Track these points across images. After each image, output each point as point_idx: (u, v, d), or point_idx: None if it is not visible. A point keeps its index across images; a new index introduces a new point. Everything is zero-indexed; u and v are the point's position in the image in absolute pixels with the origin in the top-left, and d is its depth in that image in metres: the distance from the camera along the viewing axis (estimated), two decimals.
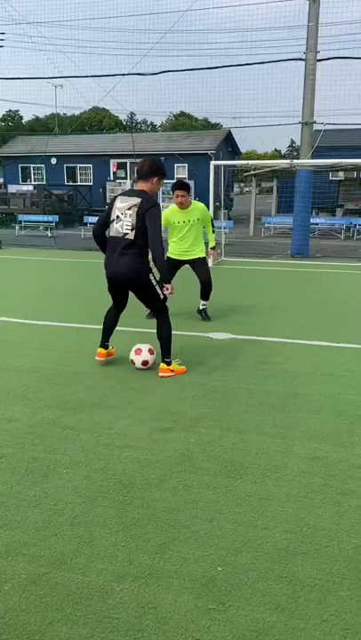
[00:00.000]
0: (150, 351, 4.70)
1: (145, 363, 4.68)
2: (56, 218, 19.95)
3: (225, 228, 15.35)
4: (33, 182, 28.15)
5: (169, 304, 4.61)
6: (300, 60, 13.78)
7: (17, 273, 10.93)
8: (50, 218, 19.93)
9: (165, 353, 4.57)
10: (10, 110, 66.77)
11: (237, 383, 4.42)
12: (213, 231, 6.67)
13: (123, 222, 4.19)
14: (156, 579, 2.17)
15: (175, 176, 26.59)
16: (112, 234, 4.28)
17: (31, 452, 3.21)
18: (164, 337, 4.54)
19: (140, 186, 4.29)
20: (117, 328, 4.88)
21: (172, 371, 4.56)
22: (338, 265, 12.58)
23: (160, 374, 4.52)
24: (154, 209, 4.17)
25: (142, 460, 3.13)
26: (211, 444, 3.33)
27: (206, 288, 6.58)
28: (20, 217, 20.22)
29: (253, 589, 2.12)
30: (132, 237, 4.18)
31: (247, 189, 55.01)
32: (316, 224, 19.33)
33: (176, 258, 6.47)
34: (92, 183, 27.92)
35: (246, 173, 22.72)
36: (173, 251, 6.48)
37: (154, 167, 4.31)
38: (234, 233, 18.57)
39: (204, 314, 6.70)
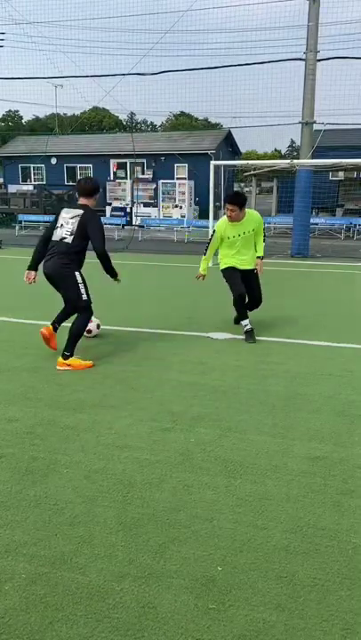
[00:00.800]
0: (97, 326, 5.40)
1: (89, 331, 5.27)
2: None
3: None
4: (33, 182, 28.16)
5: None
6: (300, 59, 13.78)
7: (17, 273, 10.91)
8: (50, 218, 19.90)
9: (67, 347, 4.75)
10: (10, 110, 66.77)
11: (237, 383, 4.42)
12: (264, 240, 5.94)
13: (64, 229, 4.75)
14: (156, 579, 2.17)
15: (175, 176, 26.58)
16: (54, 238, 4.80)
17: (31, 452, 3.21)
18: (74, 332, 4.78)
19: (83, 201, 4.88)
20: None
21: (69, 365, 4.72)
22: (338, 265, 12.58)
23: (57, 367, 4.72)
24: (95, 216, 4.85)
25: (142, 459, 3.13)
26: (211, 444, 3.33)
27: (256, 305, 6.01)
28: (21, 217, 20.22)
29: (253, 589, 2.12)
30: (70, 241, 4.72)
31: (247, 189, 54.97)
32: (316, 224, 19.33)
33: (236, 266, 5.83)
34: None
35: (246, 173, 22.73)
36: (230, 261, 5.83)
37: (96, 186, 4.96)
38: None
39: (249, 336, 5.70)
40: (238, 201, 5.56)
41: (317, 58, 13.62)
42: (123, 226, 20.15)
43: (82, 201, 4.92)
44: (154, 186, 24.55)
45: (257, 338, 5.73)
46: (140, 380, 4.46)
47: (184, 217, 22.23)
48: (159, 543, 2.39)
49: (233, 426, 3.60)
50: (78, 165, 29.00)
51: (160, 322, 6.44)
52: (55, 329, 5.18)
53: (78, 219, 4.74)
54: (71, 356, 4.75)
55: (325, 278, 10.59)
